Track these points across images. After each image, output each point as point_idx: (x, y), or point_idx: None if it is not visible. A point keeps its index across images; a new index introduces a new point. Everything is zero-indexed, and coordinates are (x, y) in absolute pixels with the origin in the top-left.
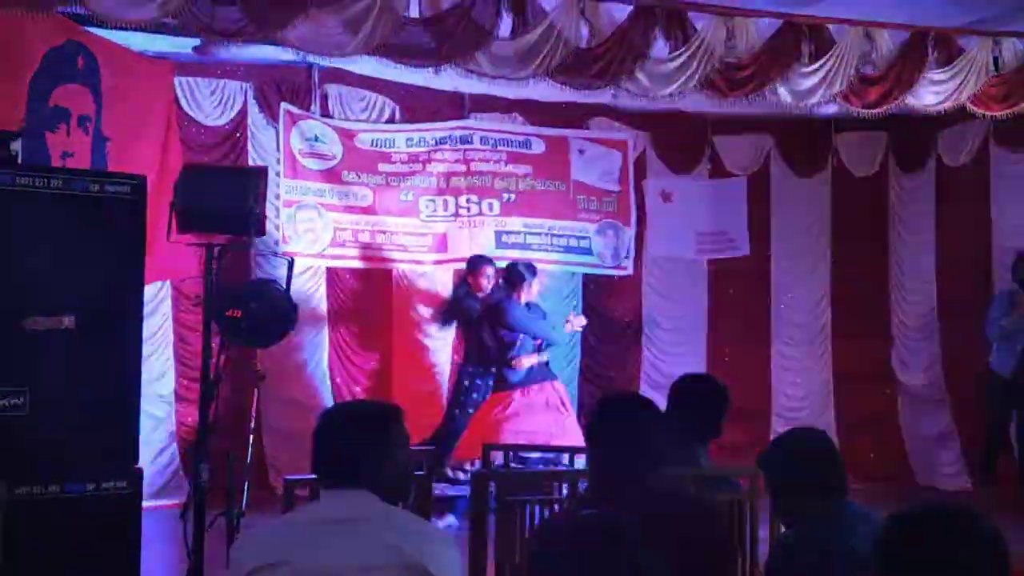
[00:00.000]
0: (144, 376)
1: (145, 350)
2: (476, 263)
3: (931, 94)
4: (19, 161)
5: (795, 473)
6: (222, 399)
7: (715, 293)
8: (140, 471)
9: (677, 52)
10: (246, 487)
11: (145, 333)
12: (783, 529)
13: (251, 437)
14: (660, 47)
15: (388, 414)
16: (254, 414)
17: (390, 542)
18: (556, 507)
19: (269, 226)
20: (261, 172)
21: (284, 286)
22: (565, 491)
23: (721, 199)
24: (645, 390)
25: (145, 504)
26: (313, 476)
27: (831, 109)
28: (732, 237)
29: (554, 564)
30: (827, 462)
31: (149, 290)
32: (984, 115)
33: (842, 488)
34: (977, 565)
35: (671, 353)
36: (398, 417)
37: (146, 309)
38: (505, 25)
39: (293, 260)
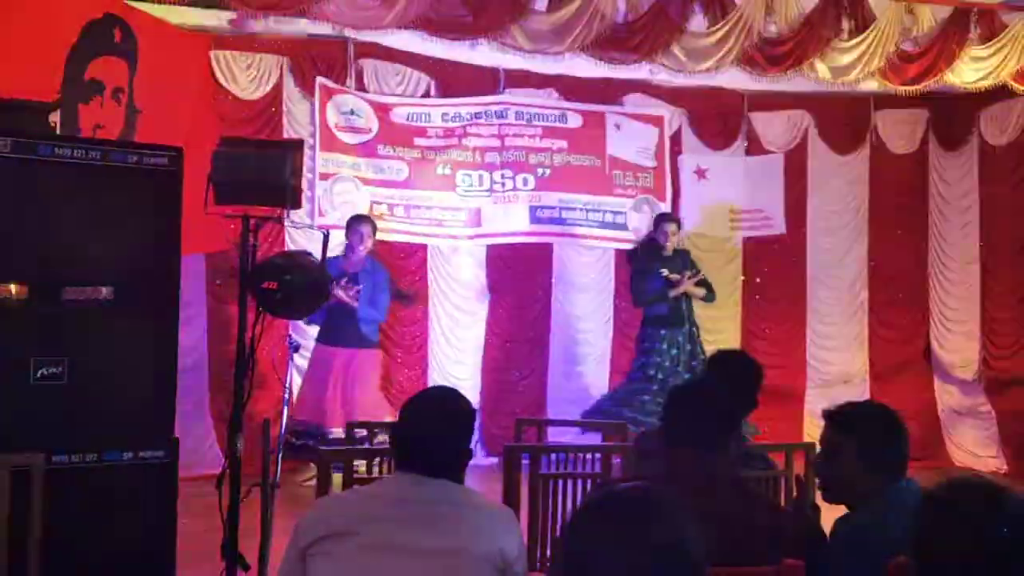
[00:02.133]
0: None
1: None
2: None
3: (972, 71)
4: (57, 132)
5: (850, 450)
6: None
7: (750, 271)
8: (176, 440)
9: (715, 27)
10: (280, 458)
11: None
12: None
13: (285, 409)
14: (698, 21)
15: (473, 410)
16: (288, 386)
17: (467, 527)
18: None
19: (304, 198)
20: (298, 145)
21: (319, 259)
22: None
23: (757, 176)
24: None
25: (181, 474)
26: (347, 448)
27: (870, 86)
28: (768, 215)
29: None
30: (892, 441)
31: (184, 262)
32: None
33: (902, 468)
34: (1010, 541)
35: (705, 329)
36: (475, 414)
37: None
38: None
39: (328, 233)
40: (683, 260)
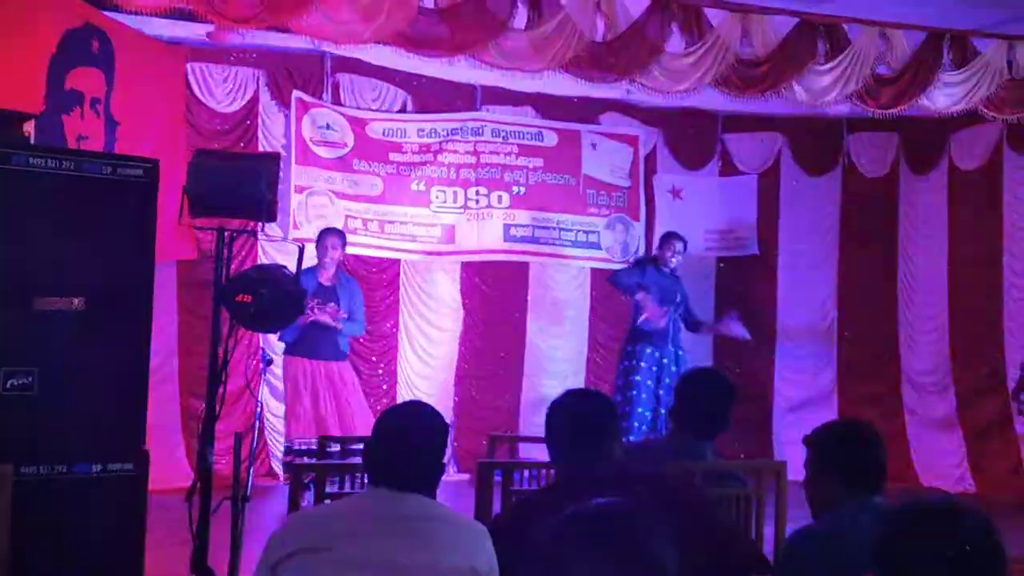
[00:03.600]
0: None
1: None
2: None
3: (944, 96)
4: (32, 142)
5: (831, 468)
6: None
7: (723, 290)
8: (147, 453)
9: (693, 48)
10: (251, 472)
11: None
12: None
13: (256, 423)
14: (675, 42)
15: (447, 425)
16: (260, 399)
17: (439, 543)
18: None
19: (278, 212)
20: (274, 158)
21: (294, 272)
22: None
23: (731, 197)
24: None
25: (152, 487)
26: (319, 463)
27: (842, 109)
28: (741, 235)
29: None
30: (876, 454)
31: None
32: (996, 118)
33: (879, 481)
34: (972, 559)
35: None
36: (449, 429)
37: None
38: (520, 17)
39: (303, 246)
40: (673, 283)
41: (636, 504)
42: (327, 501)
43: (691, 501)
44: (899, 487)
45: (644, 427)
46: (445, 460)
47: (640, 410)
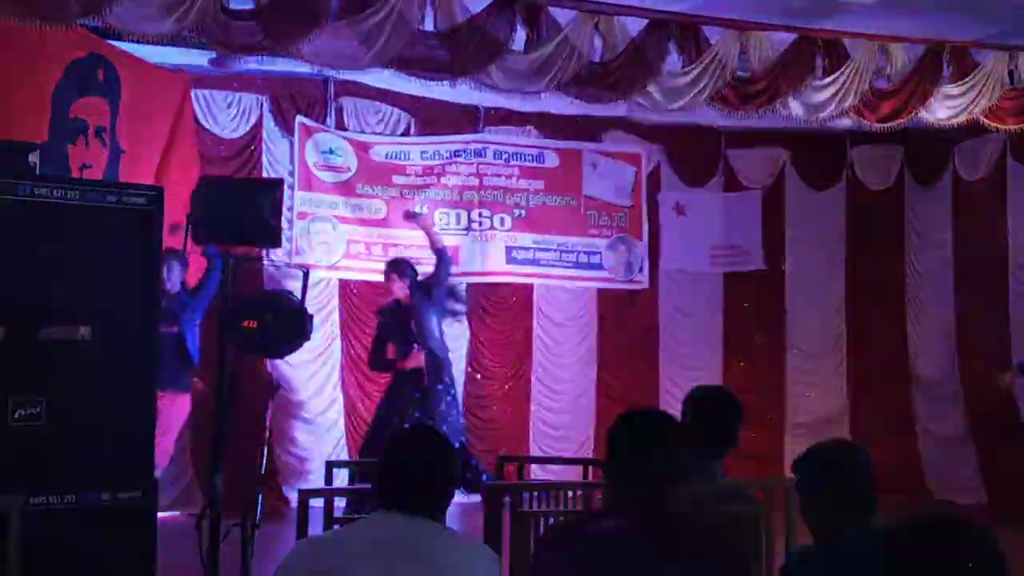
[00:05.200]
0: None
1: None
2: None
3: (945, 108)
4: (37, 172)
5: (820, 491)
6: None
7: (730, 306)
8: (155, 480)
9: (690, 66)
10: (260, 497)
11: None
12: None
13: (265, 448)
14: (673, 61)
15: (455, 449)
16: (268, 425)
17: (448, 567)
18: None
19: (282, 238)
20: (277, 184)
21: (299, 297)
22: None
23: (735, 212)
24: (663, 403)
25: (160, 514)
26: (327, 488)
27: (846, 123)
28: (746, 250)
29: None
30: (864, 478)
31: None
32: (999, 129)
33: (871, 507)
34: (974, 574)
35: (687, 367)
36: (457, 453)
37: None
38: (519, 39)
39: (308, 271)
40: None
41: (636, 529)
42: (336, 526)
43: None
44: (911, 500)
45: None
46: (453, 486)
47: None
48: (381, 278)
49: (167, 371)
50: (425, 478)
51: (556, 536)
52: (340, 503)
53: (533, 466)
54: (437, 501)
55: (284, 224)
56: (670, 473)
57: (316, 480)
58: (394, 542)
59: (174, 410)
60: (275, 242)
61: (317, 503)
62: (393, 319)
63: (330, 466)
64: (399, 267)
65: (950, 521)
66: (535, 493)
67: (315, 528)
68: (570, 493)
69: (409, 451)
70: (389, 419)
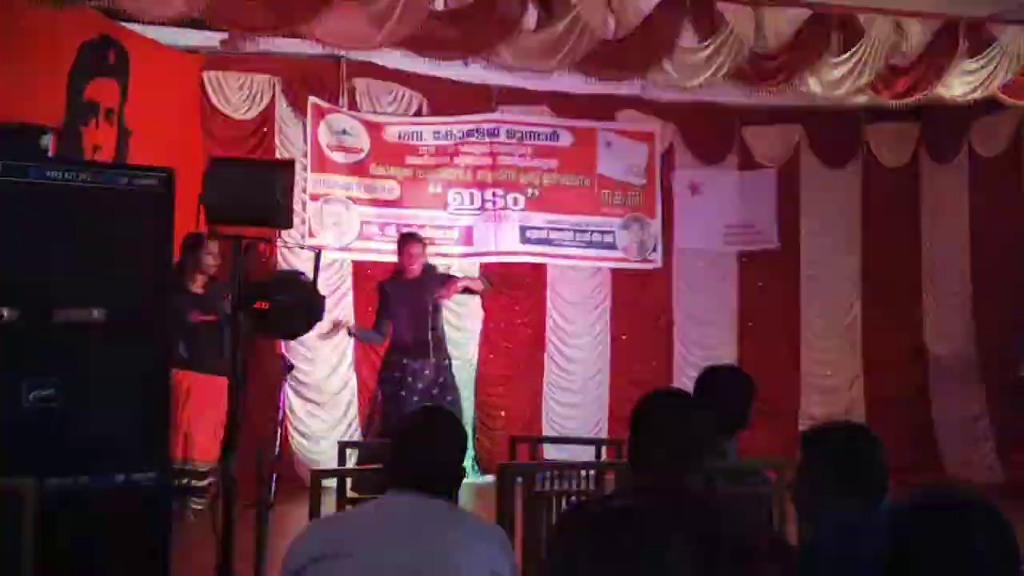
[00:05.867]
0: None
1: None
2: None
3: (961, 84)
4: (49, 155)
5: (823, 471)
6: (251, 391)
7: (745, 285)
8: (170, 462)
9: (705, 42)
10: (274, 478)
11: None
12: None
13: (279, 429)
14: (688, 37)
15: (465, 430)
16: (282, 406)
17: (460, 547)
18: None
19: (295, 219)
20: (289, 165)
21: (311, 278)
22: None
23: (750, 191)
24: (677, 383)
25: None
26: (340, 468)
27: (861, 100)
28: (761, 229)
29: (575, 550)
30: (867, 462)
31: None
32: (1016, 105)
33: (878, 488)
34: (984, 554)
35: (702, 345)
36: (467, 434)
37: None
38: (531, 17)
39: (320, 252)
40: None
41: (646, 507)
42: (348, 507)
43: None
44: (926, 478)
45: None
46: (463, 464)
47: None
48: (395, 258)
49: (208, 357)
50: (434, 457)
51: (570, 517)
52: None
53: (546, 446)
54: (448, 481)
55: (297, 205)
56: (689, 453)
57: (329, 461)
58: (402, 523)
59: (216, 393)
60: (287, 223)
61: (330, 483)
62: (403, 292)
63: (343, 446)
64: (421, 239)
65: (956, 497)
66: (548, 473)
67: (327, 508)
68: (583, 473)
69: (419, 430)
70: (397, 398)
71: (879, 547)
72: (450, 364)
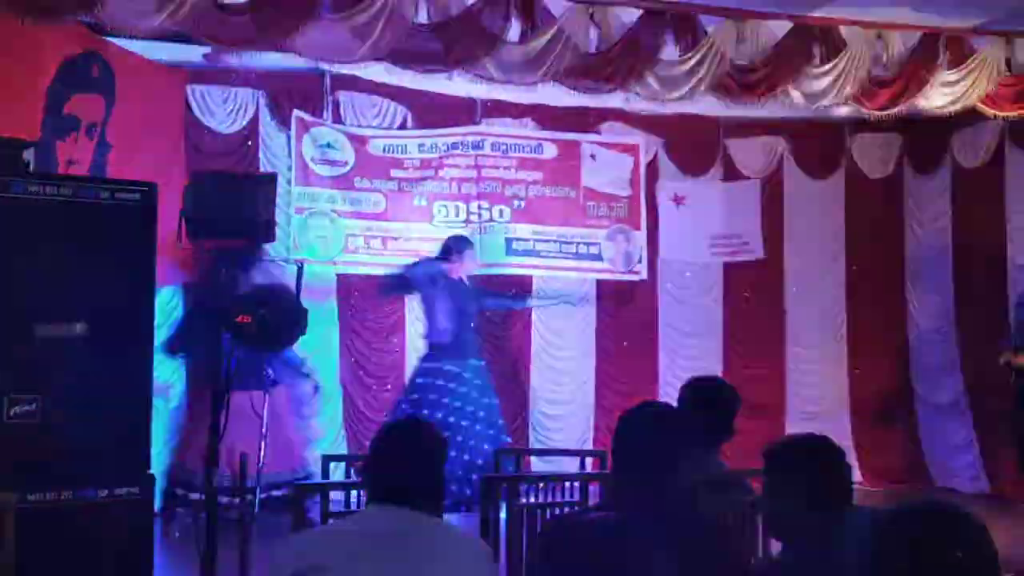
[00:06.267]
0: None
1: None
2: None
3: (942, 96)
4: (31, 169)
5: (790, 487)
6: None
7: (730, 296)
8: (152, 477)
9: (687, 55)
10: (257, 491)
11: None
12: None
13: (262, 442)
14: (670, 50)
15: (444, 440)
16: (265, 419)
17: (441, 561)
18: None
19: (280, 233)
20: (270, 179)
21: (294, 291)
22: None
23: (734, 202)
24: (662, 394)
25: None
26: (322, 482)
27: (844, 111)
28: (746, 240)
29: (559, 562)
30: (827, 474)
31: (164, 297)
32: (996, 116)
33: (844, 500)
34: (964, 564)
35: (687, 357)
36: (447, 444)
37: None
38: (514, 30)
39: (303, 265)
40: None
41: (627, 518)
42: (330, 521)
43: (689, 517)
44: (912, 488)
45: None
46: (441, 475)
47: None
48: (379, 271)
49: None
50: (415, 470)
51: (553, 530)
52: (338, 496)
53: (532, 458)
54: (428, 493)
55: (282, 219)
56: (668, 464)
57: (315, 474)
58: (385, 536)
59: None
60: (269, 237)
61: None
62: (451, 292)
63: (326, 460)
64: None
65: (936, 507)
66: (532, 485)
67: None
68: (567, 484)
69: (398, 442)
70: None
71: (853, 558)
72: (487, 365)
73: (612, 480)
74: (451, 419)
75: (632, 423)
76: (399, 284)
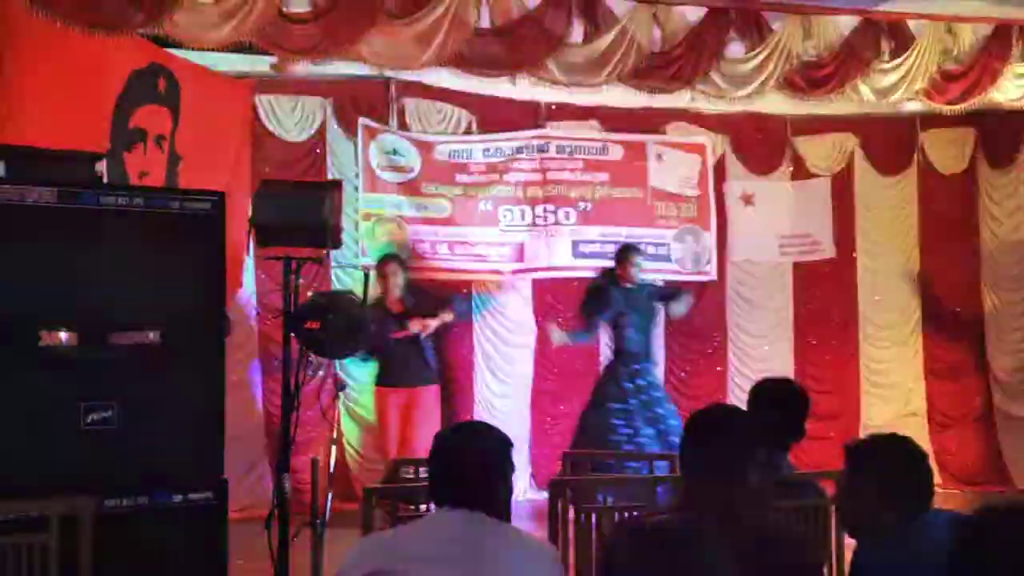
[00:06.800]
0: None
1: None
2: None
3: (1016, 87)
4: (104, 181)
5: (870, 486)
6: (307, 410)
7: (800, 296)
8: (225, 481)
9: (753, 52)
10: (329, 496)
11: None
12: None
13: (333, 447)
14: (736, 48)
15: (508, 442)
16: (336, 424)
17: (508, 565)
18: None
19: (349, 239)
20: (336, 185)
21: (361, 297)
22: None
23: (804, 200)
24: (731, 396)
25: (233, 515)
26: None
27: (915, 106)
28: (816, 239)
29: (628, 566)
30: (908, 474)
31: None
32: None
33: (924, 501)
34: None
35: (757, 359)
36: (511, 446)
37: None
38: (577, 31)
39: (368, 272)
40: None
41: (697, 521)
42: (399, 524)
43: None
44: (991, 490)
45: None
46: (514, 479)
47: None
48: (450, 276)
49: (415, 369)
50: (476, 472)
51: (621, 535)
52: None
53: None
54: (493, 495)
55: (349, 226)
56: (740, 470)
57: None
58: (453, 541)
59: (432, 400)
60: (336, 243)
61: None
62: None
63: (397, 465)
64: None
65: (1017, 507)
66: (601, 489)
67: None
68: (635, 488)
69: (457, 445)
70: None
71: (930, 559)
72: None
73: (682, 483)
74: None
75: (701, 425)
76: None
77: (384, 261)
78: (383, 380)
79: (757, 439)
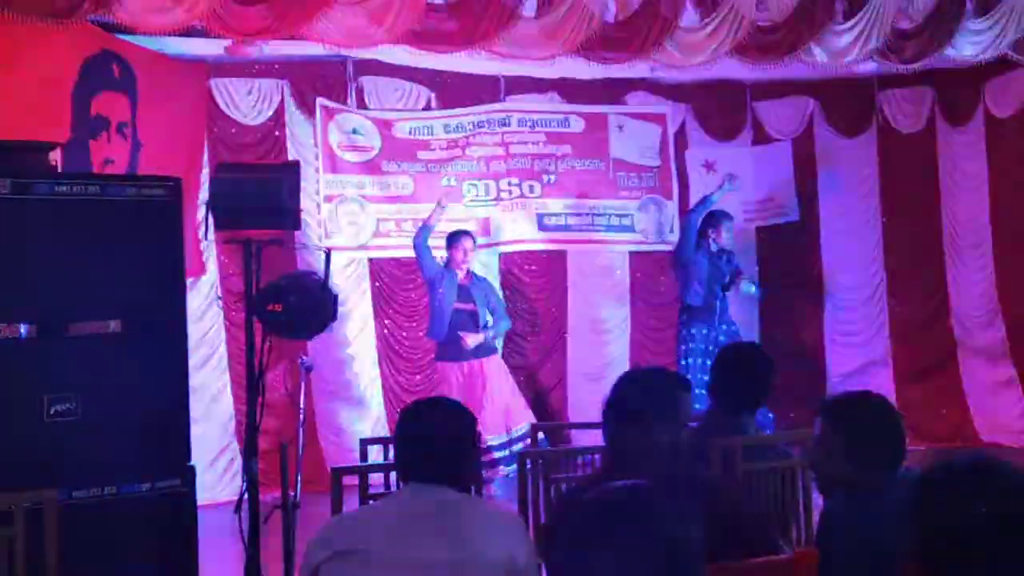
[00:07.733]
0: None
1: (202, 351)
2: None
3: (971, 44)
4: (59, 170)
5: (840, 442)
6: (274, 393)
7: (765, 260)
8: (193, 468)
9: (707, 20)
10: (299, 479)
11: (198, 334)
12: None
13: (301, 430)
14: (690, 16)
15: (473, 417)
16: (303, 407)
17: (476, 536)
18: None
19: (311, 221)
20: (293, 167)
21: (323, 278)
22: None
23: (766, 165)
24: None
25: (203, 501)
26: (360, 465)
27: (872, 67)
28: (781, 203)
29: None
30: (879, 431)
31: (202, 291)
32: None
33: (895, 459)
34: (1007, 518)
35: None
36: (476, 421)
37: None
38: (529, 5)
39: (330, 252)
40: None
41: (650, 486)
42: (371, 502)
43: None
44: (958, 446)
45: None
46: (473, 450)
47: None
48: (411, 254)
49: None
50: (441, 446)
51: (565, 500)
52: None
53: (573, 432)
54: (459, 469)
55: (312, 207)
56: (644, 415)
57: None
58: (420, 516)
59: (499, 370)
60: (295, 224)
61: (351, 480)
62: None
63: (364, 443)
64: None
65: (979, 462)
66: (568, 458)
67: (351, 505)
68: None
69: (420, 419)
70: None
71: (898, 515)
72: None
73: (605, 441)
74: None
75: (616, 386)
76: None
77: (464, 235)
78: (445, 355)
79: (671, 392)
